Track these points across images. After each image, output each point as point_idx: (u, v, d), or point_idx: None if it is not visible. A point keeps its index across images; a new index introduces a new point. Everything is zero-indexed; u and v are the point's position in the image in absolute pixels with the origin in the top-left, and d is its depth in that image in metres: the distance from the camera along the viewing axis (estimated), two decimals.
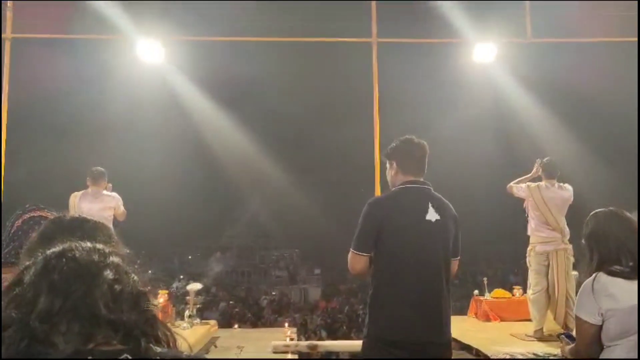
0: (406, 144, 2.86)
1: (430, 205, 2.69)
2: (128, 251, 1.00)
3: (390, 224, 2.66)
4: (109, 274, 0.86)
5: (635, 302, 2.07)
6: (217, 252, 39.40)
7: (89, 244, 0.94)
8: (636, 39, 6.65)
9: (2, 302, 0.84)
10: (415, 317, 2.58)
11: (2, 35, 6.56)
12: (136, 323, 0.84)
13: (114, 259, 0.92)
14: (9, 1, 6.63)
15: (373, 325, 2.66)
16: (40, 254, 0.91)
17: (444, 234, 2.70)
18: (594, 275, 2.19)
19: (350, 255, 2.72)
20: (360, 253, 2.68)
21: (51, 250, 0.91)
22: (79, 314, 0.80)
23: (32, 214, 2.10)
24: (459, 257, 2.83)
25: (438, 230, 2.67)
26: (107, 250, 0.93)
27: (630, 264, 2.14)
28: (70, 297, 0.81)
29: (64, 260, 0.87)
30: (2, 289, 0.89)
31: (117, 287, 0.85)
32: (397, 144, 2.87)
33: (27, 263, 0.91)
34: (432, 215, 2.67)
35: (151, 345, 0.84)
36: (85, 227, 1.47)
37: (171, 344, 0.91)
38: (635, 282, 2.10)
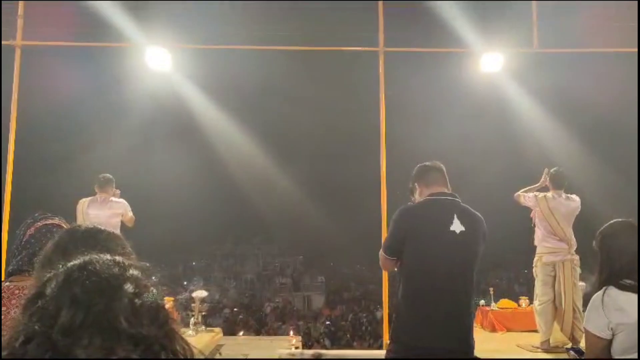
0: (420, 166, 3.01)
1: (455, 216, 2.73)
2: (148, 264, 1.00)
3: (415, 233, 2.76)
4: (129, 287, 0.87)
5: None
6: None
7: (108, 257, 0.95)
8: (635, 49, 6.66)
9: (25, 315, 0.85)
10: (439, 325, 2.63)
11: (13, 43, 6.61)
12: (156, 337, 0.85)
13: (134, 271, 0.92)
14: (19, 7, 6.69)
15: (398, 331, 2.73)
16: (61, 266, 0.92)
17: (469, 246, 2.73)
18: (603, 289, 2.18)
19: (380, 255, 2.91)
20: (388, 256, 2.86)
21: (72, 263, 0.92)
22: (101, 328, 0.80)
23: (44, 222, 2.11)
24: None
25: (462, 241, 2.70)
26: (126, 263, 0.94)
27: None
28: (92, 310, 0.82)
29: (85, 273, 0.88)
30: (24, 301, 0.90)
31: (137, 300, 0.86)
32: (414, 170, 3.03)
33: (48, 275, 0.92)
34: (457, 226, 2.71)
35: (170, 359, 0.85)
36: (99, 238, 1.48)
37: (189, 357, 0.91)
38: None
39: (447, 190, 2.89)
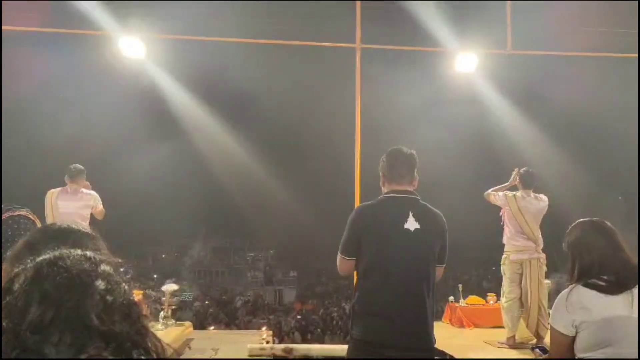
0: (391, 155, 2.92)
1: (410, 214, 2.73)
2: (120, 260, 0.99)
3: (370, 232, 2.76)
4: (100, 284, 0.86)
5: (609, 315, 2.12)
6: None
7: (79, 252, 0.93)
8: (635, 55, 6.82)
9: None
10: (395, 322, 2.64)
11: None
12: (128, 334, 0.84)
13: (105, 267, 0.91)
14: None
15: (356, 328, 2.74)
16: (30, 261, 0.90)
17: (425, 243, 2.74)
18: (570, 287, 2.24)
19: (337, 257, 2.87)
20: (345, 257, 2.83)
21: (42, 258, 0.90)
22: (71, 325, 0.79)
23: (10, 214, 2.07)
24: (444, 265, 2.89)
25: (417, 239, 2.71)
26: (97, 258, 0.93)
27: (610, 277, 2.18)
28: (62, 307, 0.80)
29: (55, 269, 0.86)
30: None
31: (109, 297, 0.85)
32: (385, 155, 2.94)
33: (16, 270, 0.90)
34: (411, 224, 2.72)
35: (142, 357, 0.84)
36: (72, 237, 1.44)
37: (160, 355, 0.91)
38: (612, 297, 2.15)
39: (409, 187, 2.86)
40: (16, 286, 0.85)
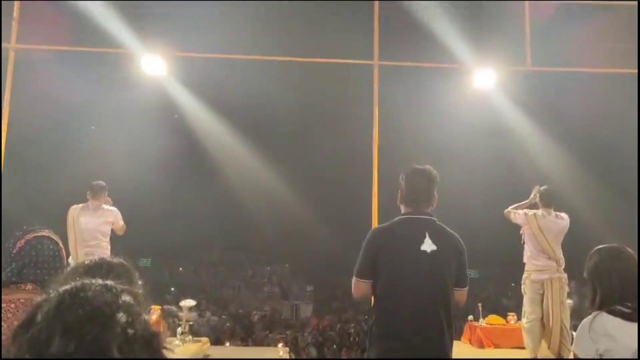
0: (409, 176, 2.90)
1: (427, 235, 2.72)
2: (141, 290, 1.00)
3: (386, 254, 2.75)
4: (122, 316, 0.87)
5: (634, 342, 2.06)
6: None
7: (100, 281, 0.94)
8: (635, 71, 6.74)
9: (15, 342, 0.84)
10: (412, 344, 2.62)
11: (7, 46, 6.57)
12: None
13: (126, 298, 0.92)
14: (14, 9, 6.65)
15: (373, 351, 2.72)
16: (52, 292, 0.92)
17: (442, 265, 2.73)
18: (593, 314, 2.19)
19: (353, 280, 2.83)
20: (360, 279, 2.80)
21: (64, 289, 0.91)
22: (93, 357, 0.80)
23: (34, 235, 2.11)
24: (466, 288, 2.86)
25: (434, 260, 2.70)
26: (119, 289, 0.94)
27: (633, 304, 2.13)
28: (84, 339, 0.81)
29: (77, 300, 0.87)
30: (14, 327, 0.89)
31: (130, 330, 0.86)
32: (404, 174, 2.92)
33: (38, 300, 0.92)
34: (427, 245, 2.70)
35: None
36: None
37: None
38: (636, 324, 2.10)
39: (427, 207, 2.84)
40: (39, 317, 0.86)
